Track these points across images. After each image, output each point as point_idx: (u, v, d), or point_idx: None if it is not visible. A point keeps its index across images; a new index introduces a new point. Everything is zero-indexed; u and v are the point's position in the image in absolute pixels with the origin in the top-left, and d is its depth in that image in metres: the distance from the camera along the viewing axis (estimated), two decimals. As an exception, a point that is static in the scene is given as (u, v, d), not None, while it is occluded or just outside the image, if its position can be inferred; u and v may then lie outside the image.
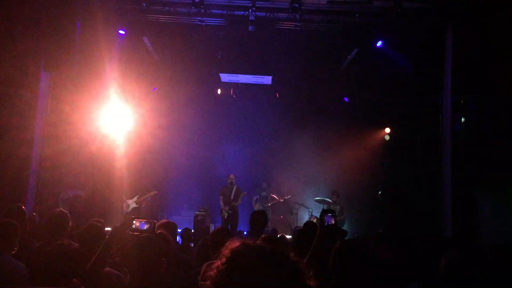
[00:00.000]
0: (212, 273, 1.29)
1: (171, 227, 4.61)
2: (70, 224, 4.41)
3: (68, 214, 4.39)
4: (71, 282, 2.86)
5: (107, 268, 3.39)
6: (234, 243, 1.33)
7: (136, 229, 3.07)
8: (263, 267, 1.24)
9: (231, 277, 1.23)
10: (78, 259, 2.96)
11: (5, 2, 8.54)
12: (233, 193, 11.64)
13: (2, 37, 8.62)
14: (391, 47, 11.06)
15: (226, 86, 13.57)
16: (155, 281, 2.57)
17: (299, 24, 10.56)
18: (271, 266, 1.24)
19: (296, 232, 4.87)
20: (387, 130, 12.90)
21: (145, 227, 3.09)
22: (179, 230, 6.49)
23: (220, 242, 3.93)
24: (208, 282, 1.29)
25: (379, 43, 11.05)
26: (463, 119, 9.85)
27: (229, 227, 11.03)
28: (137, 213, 11.19)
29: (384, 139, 12.89)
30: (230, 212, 11.55)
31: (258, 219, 5.32)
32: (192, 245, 7.03)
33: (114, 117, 13.11)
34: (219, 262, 1.30)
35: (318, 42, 11.36)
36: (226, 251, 1.31)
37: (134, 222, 3.11)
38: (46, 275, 2.97)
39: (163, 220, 4.96)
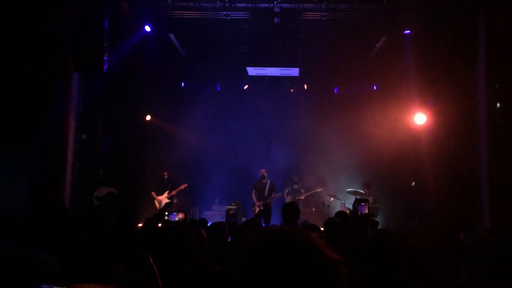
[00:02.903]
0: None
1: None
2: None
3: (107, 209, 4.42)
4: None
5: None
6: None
7: (168, 221, 3.11)
8: (273, 251, 1.21)
9: (251, 262, 1.21)
10: None
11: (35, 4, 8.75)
12: (267, 188, 11.57)
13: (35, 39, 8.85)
14: (420, 33, 10.82)
15: (253, 79, 13.55)
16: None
17: (325, 14, 10.41)
18: (280, 249, 1.22)
19: (327, 222, 4.83)
20: (418, 118, 12.60)
21: (176, 218, 3.12)
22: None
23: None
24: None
25: (407, 30, 10.81)
26: (498, 105, 9.52)
27: (262, 221, 11.03)
28: (170, 208, 11.32)
29: (416, 127, 12.61)
30: (262, 208, 11.49)
31: (289, 211, 5.38)
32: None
33: (147, 115, 13.35)
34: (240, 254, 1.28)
35: (345, 31, 11.19)
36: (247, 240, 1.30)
37: (166, 213, 3.15)
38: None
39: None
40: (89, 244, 2.80)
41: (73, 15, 9.34)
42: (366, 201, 3.58)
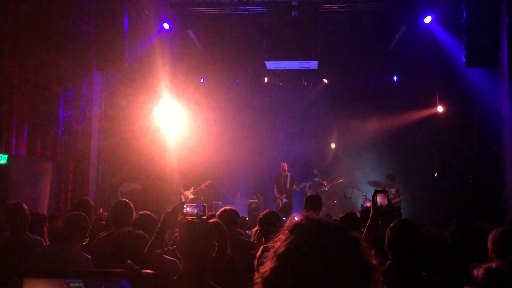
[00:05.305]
0: (276, 244, 1.26)
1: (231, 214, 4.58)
2: (134, 214, 4.35)
3: (131, 204, 4.33)
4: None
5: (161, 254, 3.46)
6: (297, 218, 1.32)
7: (187, 213, 3.15)
8: (326, 239, 1.23)
9: (295, 248, 1.23)
10: (142, 244, 2.97)
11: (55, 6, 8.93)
12: (288, 181, 11.65)
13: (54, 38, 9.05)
14: (441, 22, 10.65)
15: (272, 73, 13.56)
16: (206, 264, 2.59)
17: (343, 5, 10.35)
18: (332, 238, 1.24)
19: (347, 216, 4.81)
20: (440, 108, 12.46)
21: (195, 211, 3.15)
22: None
23: (271, 224, 3.97)
24: (268, 261, 1.27)
25: (427, 19, 10.64)
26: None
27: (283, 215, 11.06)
28: (195, 203, 11.45)
29: (438, 118, 12.45)
30: (285, 200, 11.55)
31: (313, 202, 5.44)
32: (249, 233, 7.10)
33: (166, 111, 13.48)
34: (281, 235, 1.28)
35: (363, 22, 11.10)
36: (288, 224, 1.31)
37: (185, 206, 3.18)
38: (111, 262, 3.07)
39: (226, 207, 4.87)
40: (120, 238, 2.88)
41: (94, 15, 9.51)
42: (385, 191, 3.52)
